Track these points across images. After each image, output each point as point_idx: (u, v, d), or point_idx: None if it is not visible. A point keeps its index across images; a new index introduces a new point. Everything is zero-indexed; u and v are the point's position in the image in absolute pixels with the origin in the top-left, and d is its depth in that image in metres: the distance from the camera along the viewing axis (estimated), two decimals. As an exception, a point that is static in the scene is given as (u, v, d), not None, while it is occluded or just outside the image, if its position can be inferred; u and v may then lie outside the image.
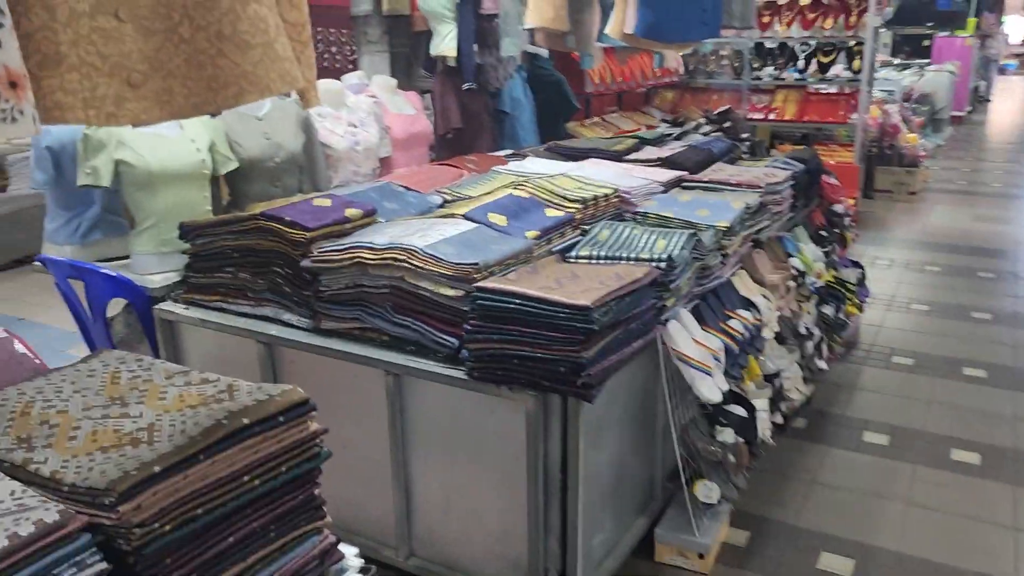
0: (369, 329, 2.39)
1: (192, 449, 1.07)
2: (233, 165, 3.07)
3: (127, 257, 2.92)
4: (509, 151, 4.09)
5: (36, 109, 1.06)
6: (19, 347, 1.56)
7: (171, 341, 2.76)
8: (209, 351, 2.71)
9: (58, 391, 1.28)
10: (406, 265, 2.26)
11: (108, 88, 1.11)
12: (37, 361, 1.55)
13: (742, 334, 2.73)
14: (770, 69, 7.84)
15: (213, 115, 2.90)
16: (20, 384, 1.31)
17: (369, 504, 2.51)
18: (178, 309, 2.69)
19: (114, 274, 2.77)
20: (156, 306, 2.72)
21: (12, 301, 5.31)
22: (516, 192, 2.84)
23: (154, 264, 2.86)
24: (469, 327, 2.14)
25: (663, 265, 2.40)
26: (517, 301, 2.07)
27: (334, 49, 4.73)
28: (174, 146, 2.84)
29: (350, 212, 2.60)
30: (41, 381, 1.32)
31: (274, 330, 2.50)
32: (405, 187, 3.07)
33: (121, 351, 1.46)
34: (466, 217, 2.58)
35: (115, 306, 2.99)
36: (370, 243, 2.34)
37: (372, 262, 2.32)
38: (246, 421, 1.13)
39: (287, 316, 2.54)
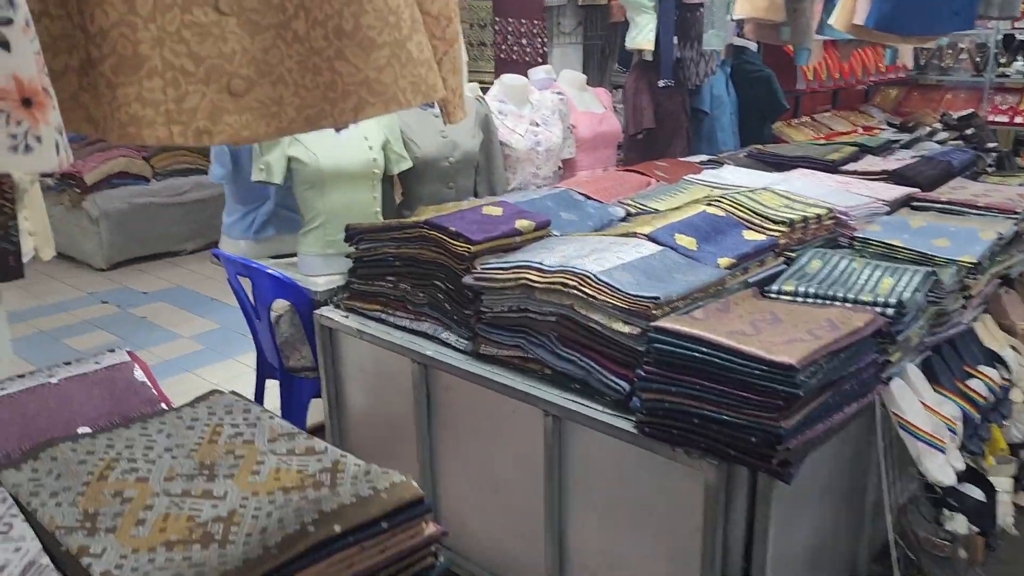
0: (531, 359, 2.13)
1: (263, 568, 0.83)
2: (407, 164, 2.91)
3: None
4: (704, 157, 3.68)
5: (112, 123, 0.85)
6: (138, 375, 1.42)
7: (330, 348, 2.64)
8: (366, 363, 2.56)
9: (149, 446, 1.10)
10: (576, 293, 1.97)
11: (201, 98, 0.89)
12: (153, 392, 1.40)
13: (985, 398, 2.22)
14: (1020, 64, 6.79)
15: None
16: (115, 432, 1.15)
17: (520, 552, 2.26)
18: (337, 316, 2.55)
19: (278, 275, 2.68)
20: (316, 311, 2.61)
21: (211, 281, 5.55)
22: (710, 209, 2.46)
23: (319, 266, 2.76)
24: (643, 373, 1.82)
25: (890, 312, 1.95)
26: (702, 349, 1.72)
27: (524, 41, 4.51)
28: (346, 144, 2.72)
29: (521, 224, 2.35)
30: (136, 430, 1.15)
31: (430, 350, 2.30)
32: (585, 195, 2.78)
33: (233, 396, 1.27)
34: (649, 238, 2.25)
35: (285, 303, 2.93)
36: (539, 263, 2.07)
37: (539, 285, 2.05)
38: (338, 529, 0.89)
39: (445, 335, 2.33)
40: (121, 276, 5.54)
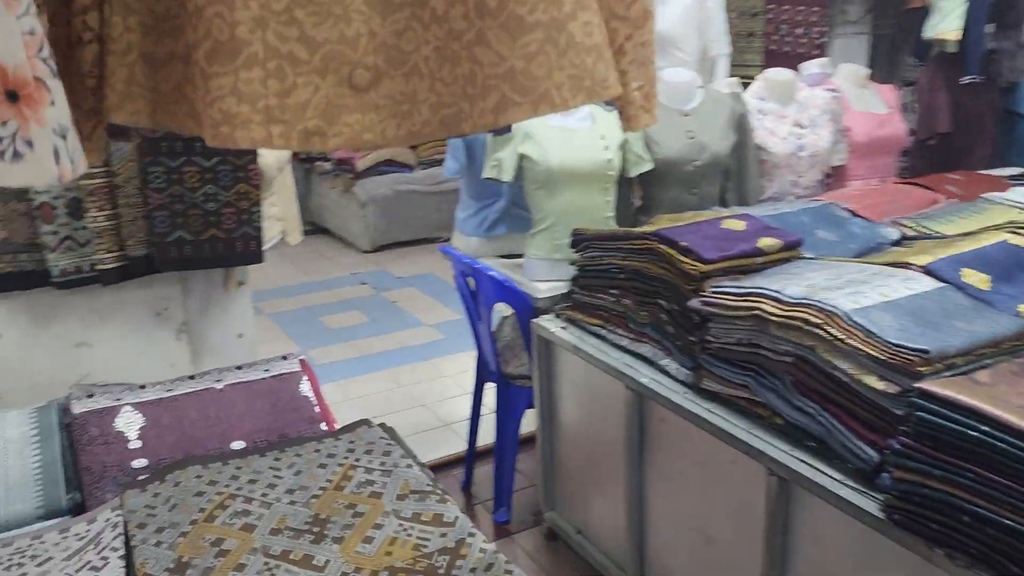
0: (759, 404, 1.81)
1: None
2: (647, 166, 2.67)
3: (527, 255, 2.72)
4: (1015, 170, 3.05)
5: (206, 121, 0.72)
6: (304, 387, 1.33)
7: (546, 359, 2.49)
8: (580, 380, 2.38)
9: (272, 484, 0.99)
10: (821, 333, 1.63)
11: (314, 92, 0.73)
12: (315, 409, 1.31)
13: None
14: None
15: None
16: (247, 460, 1.06)
17: (729, 620, 1.95)
18: (555, 328, 2.39)
19: (501, 278, 2.57)
20: (534, 320, 2.46)
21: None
22: (1013, 239, 1.96)
23: (544, 271, 2.61)
24: (898, 445, 1.45)
25: None
26: (983, 428, 1.32)
27: (800, 31, 4.04)
28: (580, 142, 2.54)
29: (764, 243, 2.03)
30: (269, 460, 1.05)
31: (646, 379, 2.06)
32: (851, 211, 2.37)
33: (379, 432, 1.14)
34: (927, 270, 1.82)
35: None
36: (777, 292, 1.75)
37: (775, 319, 1.73)
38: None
39: (665, 361, 2.08)
40: (381, 259, 5.84)
